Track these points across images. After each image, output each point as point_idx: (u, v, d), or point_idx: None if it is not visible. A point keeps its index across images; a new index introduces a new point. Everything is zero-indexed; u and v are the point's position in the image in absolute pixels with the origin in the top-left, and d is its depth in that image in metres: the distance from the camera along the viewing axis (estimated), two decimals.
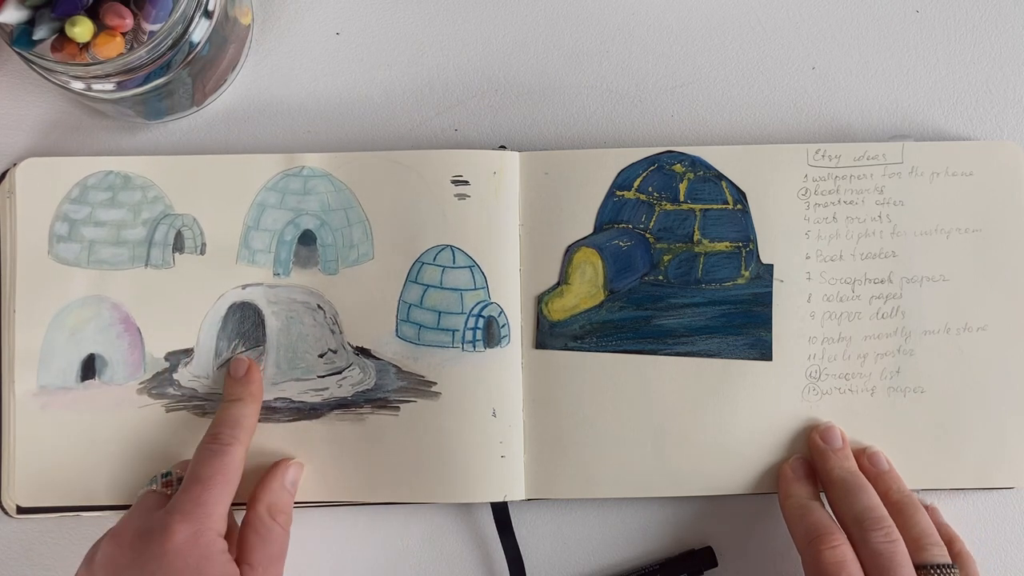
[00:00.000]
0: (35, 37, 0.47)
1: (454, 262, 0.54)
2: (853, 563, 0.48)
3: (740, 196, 0.55)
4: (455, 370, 0.54)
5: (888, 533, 0.49)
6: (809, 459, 0.54)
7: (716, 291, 0.55)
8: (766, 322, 0.55)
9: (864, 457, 0.54)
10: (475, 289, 0.54)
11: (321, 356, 0.55)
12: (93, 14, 0.47)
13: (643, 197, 0.55)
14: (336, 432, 0.54)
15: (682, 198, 0.55)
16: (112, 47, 0.47)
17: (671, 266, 0.55)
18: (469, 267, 0.54)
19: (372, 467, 0.54)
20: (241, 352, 0.55)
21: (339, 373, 0.54)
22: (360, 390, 0.54)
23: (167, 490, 0.50)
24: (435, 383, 0.54)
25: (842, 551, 0.49)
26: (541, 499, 0.55)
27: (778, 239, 0.55)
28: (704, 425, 0.54)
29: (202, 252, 0.55)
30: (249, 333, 0.55)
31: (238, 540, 0.49)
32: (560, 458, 0.54)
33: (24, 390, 0.54)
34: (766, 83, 0.58)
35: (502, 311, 0.55)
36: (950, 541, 0.52)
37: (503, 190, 0.55)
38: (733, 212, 0.55)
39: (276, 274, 0.55)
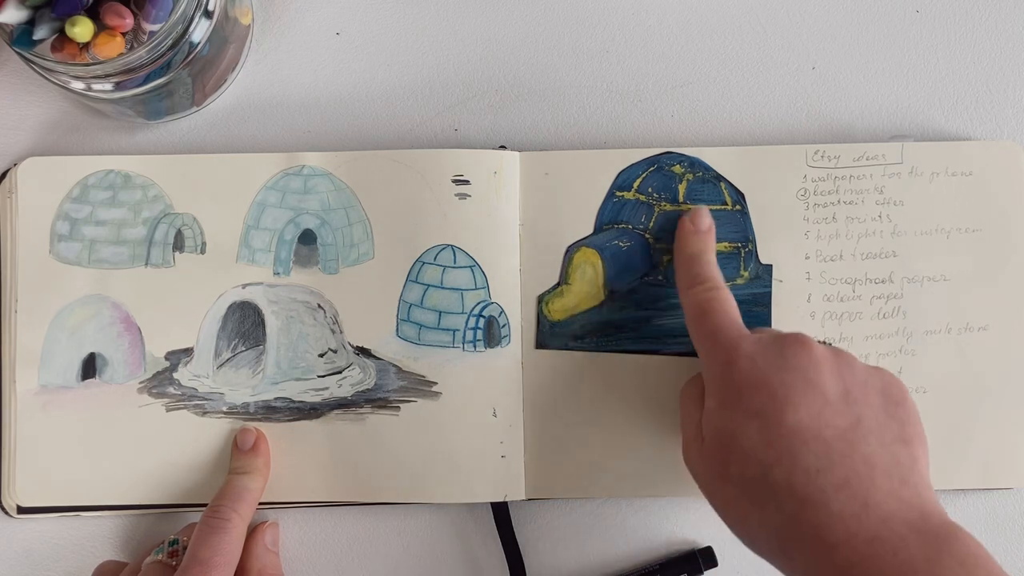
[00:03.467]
0: (35, 37, 0.47)
1: (455, 262, 0.54)
2: (728, 300, 0.49)
3: (739, 197, 0.55)
4: (456, 370, 0.54)
5: None
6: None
7: None
8: (765, 322, 0.55)
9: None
10: (476, 289, 0.54)
11: (321, 356, 0.55)
12: (93, 14, 0.47)
13: (643, 198, 0.55)
14: (336, 432, 0.54)
15: (681, 199, 0.56)
16: (112, 47, 0.47)
17: (671, 266, 0.55)
18: (470, 267, 0.54)
19: (372, 467, 0.54)
20: (241, 351, 0.55)
21: (339, 373, 0.54)
22: (360, 390, 0.54)
23: (172, 560, 0.50)
24: (435, 383, 0.54)
25: (719, 291, 0.49)
26: (541, 499, 0.55)
27: (777, 239, 0.55)
28: None
29: (202, 251, 0.55)
30: (249, 332, 0.55)
31: None
32: (560, 458, 0.54)
33: (25, 389, 0.54)
34: (766, 83, 0.58)
35: (502, 311, 0.55)
36: None
37: (503, 190, 0.55)
38: (732, 213, 0.55)
39: (276, 273, 0.55)
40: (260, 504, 0.53)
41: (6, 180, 0.55)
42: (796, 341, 0.46)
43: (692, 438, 0.47)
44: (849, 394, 0.44)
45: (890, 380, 0.46)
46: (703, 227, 0.53)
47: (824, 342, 0.52)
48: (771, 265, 0.55)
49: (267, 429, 0.54)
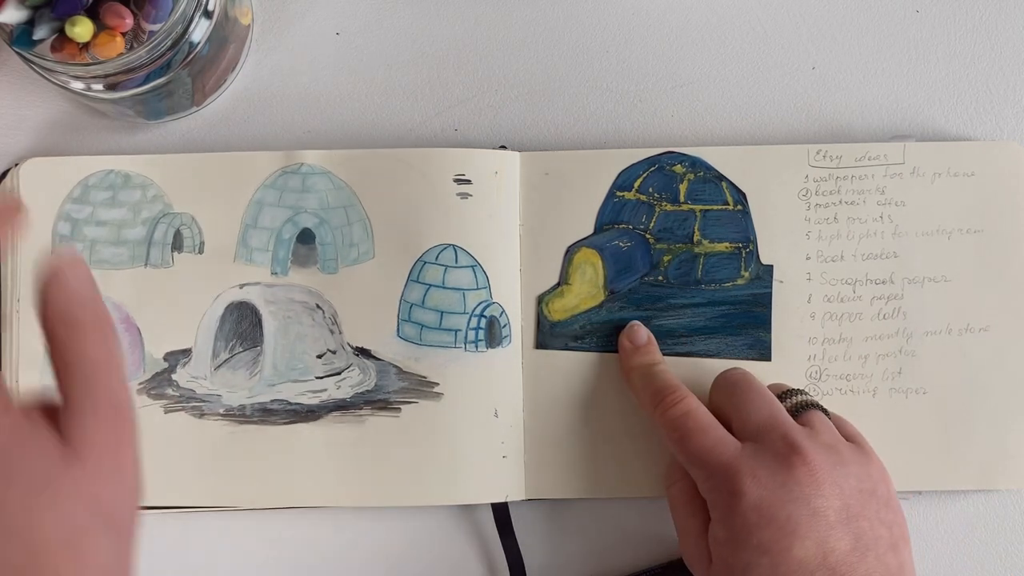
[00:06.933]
0: (35, 37, 0.47)
1: (456, 262, 0.54)
2: (699, 409, 0.49)
3: (740, 197, 0.55)
4: (457, 370, 0.54)
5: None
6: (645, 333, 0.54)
7: (716, 292, 0.55)
8: (765, 322, 0.55)
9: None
10: (477, 289, 0.54)
11: (320, 357, 0.54)
12: (93, 14, 0.47)
13: (643, 198, 0.55)
14: (334, 435, 0.54)
15: (682, 199, 0.55)
16: (112, 47, 0.47)
17: (671, 267, 0.55)
18: (471, 267, 0.54)
19: (371, 470, 0.53)
20: (239, 352, 0.55)
21: (338, 374, 0.54)
22: (360, 391, 0.54)
23: None
24: (437, 383, 0.54)
25: (686, 403, 0.49)
26: (541, 499, 0.54)
27: (778, 240, 0.55)
28: None
29: (200, 251, 0.55)
30: (247, 333, 0.55)
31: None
32: (560, 458, 0.54)
33: (28, 390, 0.53)
34: (766, 83, 0.58)
35: (503, 311, 0.54)
36: None
37: (504, 190, 0.55)
38: (733, 213, 0.55)
39: (274, 273, 0.55)
40: (260, 506, 0.54)
41: (7, 180, 0.55)
42: (799, 463, 0.46)
43: (696, 554, 0.48)
44: (849, 509, 0.46)
45: (879, 476, 0.48)
46: (642, 341, 0.54)
47: (809, 402, 0.51)
48: (772, 265, 0.55)
49: (262, 433, 0.54)
